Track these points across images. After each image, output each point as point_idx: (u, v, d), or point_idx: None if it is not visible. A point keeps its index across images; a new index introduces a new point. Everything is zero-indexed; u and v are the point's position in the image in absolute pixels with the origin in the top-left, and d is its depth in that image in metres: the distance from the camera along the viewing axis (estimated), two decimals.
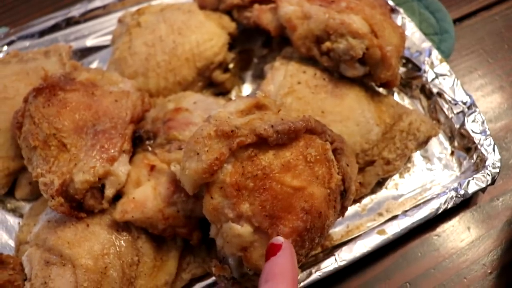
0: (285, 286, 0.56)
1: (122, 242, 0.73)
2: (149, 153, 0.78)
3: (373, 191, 0.85)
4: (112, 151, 0.74)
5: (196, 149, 0.65)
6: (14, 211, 0.88)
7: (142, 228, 0.74)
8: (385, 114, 0.83)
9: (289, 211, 0.65)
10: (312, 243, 0.71)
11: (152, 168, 0.75)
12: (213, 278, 0.78)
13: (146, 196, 0.73)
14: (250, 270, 0.68)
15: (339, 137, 0.74)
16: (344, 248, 0.76)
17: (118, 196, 0.75)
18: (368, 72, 0.82)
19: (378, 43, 0.80)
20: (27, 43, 1.05)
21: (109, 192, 0.73)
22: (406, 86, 0.97)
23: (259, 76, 0.97)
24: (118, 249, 0.72)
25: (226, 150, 0.64)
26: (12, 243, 0.84)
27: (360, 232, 0.81)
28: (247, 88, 0.98)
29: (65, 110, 0.76)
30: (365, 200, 0.85)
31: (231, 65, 0.97)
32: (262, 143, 0.65)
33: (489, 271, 0.80)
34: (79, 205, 0.73)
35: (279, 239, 0.61)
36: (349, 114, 0.80)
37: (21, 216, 0.87)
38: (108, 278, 0.71)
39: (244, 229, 0.63)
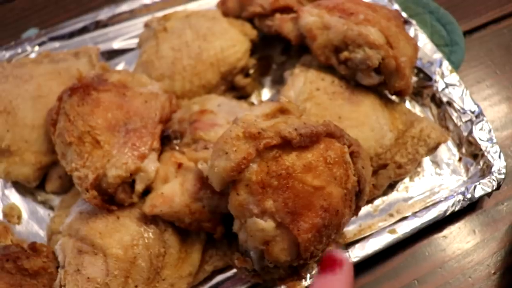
0: None
1: (150, 234, 0.78)
2: (176, 152, 0.83)
3: (384, 193, 0.90)
4: (143, 148, 0.79)
5: (225, 149, 0.70)
6: (44, 203, 0.93)
7: (169, 221, 0.79)
8: (398, 120, 0.88)
9: (309, 208, 0.69)
10: (329, 239, 0.76)
11: (180, 165, 0.80)
12: (234, 270, 0.83)
13: (174, 191, 0.77)
14: (270, 263, 0.73)
15: (356, 141, 0.79)
16: (357, 246, 0.81)
17: (147, 191, 0.80)
18: (383, 81, 0.87)
19: (393, 54, 0.85)
20: (57, 44, 1.10)
21: (139, 187, 0.78)
22: (417, 94, 1.02)
23: (278, 82, 1.02)
24: (146, 241, 0.77)
25: (253, 151, 0.69)
26: (42, 233, 0.89)
27: (372, 231, 0.85)
28: (266, 93, 1.03)
29: (98, 109, 0.81)
30: (377, 202, 0.89)
31: (251, 71, 1.02)
32: (286, 145, 0.70)
33: (493, 272, 0.85)
34: (111, 198, 0.78)
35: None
36: (365, 120, 0.85)
37: (51, 208, 0.92)
38: (137, 267, 0.76)
39: (267, 224, 0.68)
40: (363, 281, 0.85)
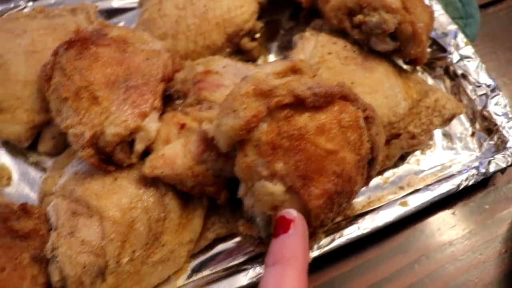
0: (295, 272, 0.51)
1: (149, 197, 0.73)
2: (179, 112, 0.78)
3: (395, 165, 0.86)
4: (144, 106, 0.74)
5: (233, 106, 0.65)
6: (36, 165, 0.87)
7: (170, 185, 0.74)
8: (412, 90, 0.84)
9: (321, 173, 0.65)
10: (340, 208, 0.72)
11: (182, 126, 0.75)
12: (236, 240, 0.79)
13: (176, 153, 0.73)
14: None
15: (371, 107, 0.75)
16: (367, 217, 0.78)
17: (147, 152, 0.75)
18: (397, 47, 0.83)
19: (410, 19, 0.81)
20: (52, 0, 1.04)
21: (139, 147, 0.73)
22: (430, 66, 0.98)
23: (285, 48, 0.97)
24: (145, 204, 0.72)
25: (264, 109, 0.64)
26: (33, 195, 0.84)
27: (381, 203, 0.81)
28: (272, 59, 0.97)
29: (97, 64, 0.76)
30: (387, 173, 0.86)
31: (258, 35, 0.97)
32: (298, 104, 0.65)
33: (504, 250, 0.82)
34: (108, 158, 0.73)
35: (292, 213, 0.56)
36: (378, 87, 0.81)
37: (43, 170, 0.87)
38: (135, 231, 0.71)
39: (276, 188, 0.64)
40: (371, 255, 0.81)
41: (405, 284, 0.79)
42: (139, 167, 0.75)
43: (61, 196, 0.74)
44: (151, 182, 0.74)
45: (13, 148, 0.89)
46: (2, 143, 0.89)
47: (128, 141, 0.73)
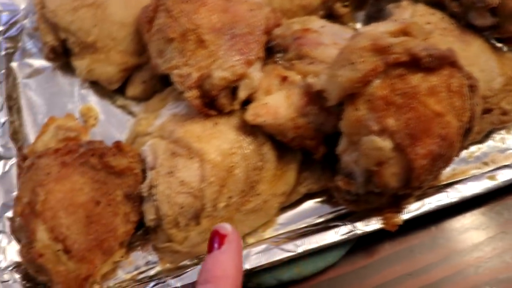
0: None
1: (248, 145, 0.73)
2: (279, 66, 0.78)
3: (480, 141, 0.86)
4: (250, 55, 0.73)
5: (351, 59, 0.66)
6: (123, 108, 0.88)
7: (268, 135, 0.74)
8: (507, 67, 0.84)
9: (427, 134, 0.66)
10: (437, 173, 0.73)
11: (284, 79, 0.75)
12: (322, 198, 0.79)
13: (279, 103, 0.73)
14: (377, 187, 0.69)
15: (474, 76, 0.75)
16: (455, 187, 0.78)
17: (246, 101, 0.75)
18: (495, 23, 0.83)
19: None
20: None
21: (242, 94, 0.73)
22: None
23: (373, 17, 0.96)
24: (245, 151, 0.72)
25: (381, 64, 0.64)
26: (119, 137, 0.84)
27: (465, 176, 0.82)
28: (359, 27, 0.97)
29: (203, 8, 0.75)
30: (473, 148, 0.85)
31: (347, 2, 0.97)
32: (413, 64, 0.65)
33: None
34: (211, 102, 0.73)
35: (226, 228, 0.55)
36: (475, 60, 0.81)
37: (130, 113, 0.87)
38: (234, 177, 0.71)
39: (385, 144, 0.64)
40: (450, 226, 0.81)
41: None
42: (238, 114, 0.75)
43: (159, 137, 0.74)
44: (250, 130, 0.74)
45: (100, 90, 0.89)
46: (90, 84, 0.89)
47: (231, 87, 0.73)
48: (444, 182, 0.81)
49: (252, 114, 0.72)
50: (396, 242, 0.80)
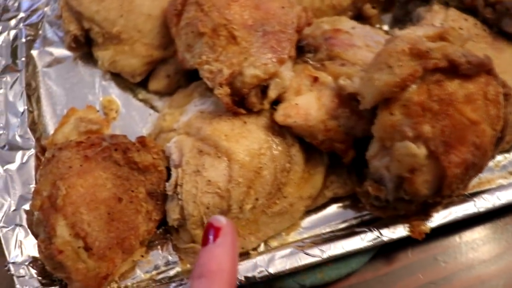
0: (222, 286, 0.49)
1: (277, 146, 0.71)
2: (309, 65, 0.76)
3: (507, 150, 0.85)
4: (282, 53, 0.72)
5: (389, 62, 0.64)
6: (145, 102, 0.86)
7: (296, 136, 0.73)
8: None
9: (462, 142, 0.64)
10: (468, 181, 0.71)
11: (315, 79, 0.73)
12: (346, 203, 0.78)
13: (309, 104, 0.71)
14: (407, 194, 0.68)
15: (508, 84, 0.74)
16: (482, 196, 0.77)
17: (276, 101, 0.73)
18: None
19: None
20: None
21: (273, 93, 0.71)
22: None
23: (400, 20, 0.95)
24: (274, 152, 0.71)
25: (420, 69, 0.63)
26: (140, 131, 0.83)
27: (491, 186, 0.80)
28: (387, 29, 0.96)
29: (235, 4, 0.73)
30: (499, 157, 0.84)
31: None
32: (451, 70, 0.64)
33: None
34: (240, 101, 0.71)
35: (221, 220, 0.54)
36: (507, 68, 0.80)
37: (152, 107, 0.85)
38: (262, 178, 0.69)
39: (420, 151, 0.63)
40: (474, 235, 0.80)
41: None
42: (267, 114, 0.73)
43: (185, 133, 0.72)
44: (278, 131, 0.72)
45: (122, 82, 0.87)
46: (112, 76, 0.87)
47: (262, 86, 0.71)
48: (470, 191, 0.80)
49: (283, 114, 0.70)
50: (419, 250, 0.79)
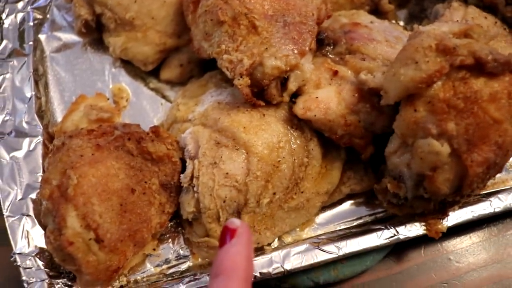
0: (238, 284, 0.50)
1: (296, 139, 0.70)
2: (329, 59, 0.75)
3: None
4: (303, 45, 0.70)
5: (415, 58, 0.63)
6: (156, 91, 0.83)
7: (315, 130, 0.71)
8: None
9: (484, 141, 0.64)
10: (487, 181, 0.71)
11: (335, 73, 0.72)
12: (360, 200, 0.77)
13: (330, 98, 0.69)
14: (426, 193, 0.67)
15: None
16: (498, 196, 0.76)
17: (295, 94, 0.72)
18: None
19: None
20: None
21: (293, 86, 0.69)
22: None
23: (415, 17, 0.94)
24: (292, 146, 0.69)
25: (447, 65, 0.62)
26: (150, 121, 0.81)
27: (506, 186, 0.80)
28: (403, 24, 0.95)
29: None
30: None
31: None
32: (476, 68, 0.63)
33: None
34: (260, 92, 0.69)
35: (235, 222, 0.55)
36: None
37: (163, 97, 0.83)
38: (280, 172, 0.68)
39: (443, 148, 0.62)
40: (488, 235, 0.80)
41: None
42: (285, 107, 0.71)
43: (201, 124, 0.70)
44: (297, 124, 0.71)
45: (133, 70, 0.84)
46: (123, 63, 0.84)
47: (282, 78, 0.70)
48: (485, 191, 0.79)
49: (303, 107, 0.69)
50: (432, 249, 0.78)
